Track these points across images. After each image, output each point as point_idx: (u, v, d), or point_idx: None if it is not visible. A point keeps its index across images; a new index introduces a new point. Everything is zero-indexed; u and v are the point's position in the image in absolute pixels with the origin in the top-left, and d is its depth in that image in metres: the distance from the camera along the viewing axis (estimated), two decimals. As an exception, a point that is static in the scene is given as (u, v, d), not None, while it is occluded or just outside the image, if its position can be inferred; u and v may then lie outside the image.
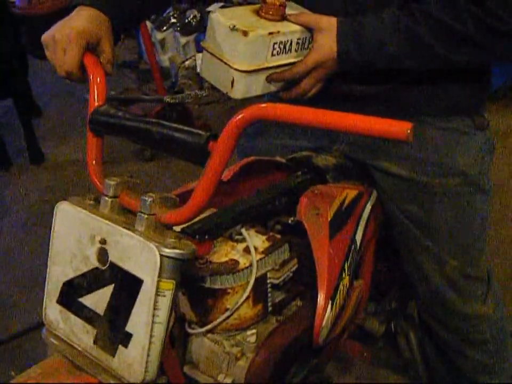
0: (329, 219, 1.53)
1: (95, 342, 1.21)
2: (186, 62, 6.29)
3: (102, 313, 1.20)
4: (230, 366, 1.45)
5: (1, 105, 5.02)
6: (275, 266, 1.46)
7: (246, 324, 1.44)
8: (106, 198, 1.23)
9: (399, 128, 0.99)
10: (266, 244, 1.46)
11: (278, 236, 1.50)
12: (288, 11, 1.53)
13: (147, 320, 1.13)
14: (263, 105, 1.10)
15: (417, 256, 1.76)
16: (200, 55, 5.26)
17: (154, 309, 1.13)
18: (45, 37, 1.42)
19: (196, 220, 1.34)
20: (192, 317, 1.44)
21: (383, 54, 1.49)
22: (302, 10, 1.57)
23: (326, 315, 1.46)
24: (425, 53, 1.48)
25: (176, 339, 1.47)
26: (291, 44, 1.52)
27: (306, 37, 1.54)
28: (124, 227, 1.17)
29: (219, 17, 1.49)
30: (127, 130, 1.27)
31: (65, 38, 1.38)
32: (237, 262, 1.39)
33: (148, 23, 5.47)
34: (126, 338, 1.16)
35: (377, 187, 1.77)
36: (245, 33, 1.43)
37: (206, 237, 1.36)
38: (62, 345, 1.28)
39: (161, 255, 1.11)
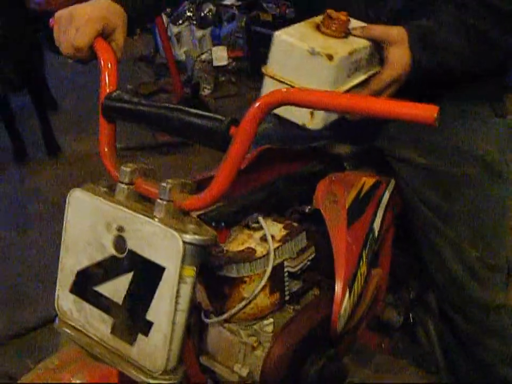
0: (347, 206, 1.51)
1: (112, 331, 1.19)
2: (202, 56, 6.34)
3: (120, 302, 1.18)
4: (247, 356, 1.44)
5: (18, 99, 5.03)
6: (292, 254, 1.44)
7: (262, 313, 1.43)
8: (122, 185, 1.21)
9: (426, 111, 0.97)
10: (284, 232, 1.44)
11: (295, 224, 1.48)
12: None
13: (170, 307, 1.11)
14: (286, 89, 1.09)
15: (436, 245, 1.74)
16: (215, 48, 5.25)
17: (177, 296, 1.11)
18: (61, 12, 1.42)
19: (212, 207, 1.32)
20: (208, 306, 1.43)
21: (450, 55, 1.45)
22: (357, 23, 1.47)
23: (344, 303, 1.44)
24: (485, 41, 1.45)
25: (192, 328, 1.46)
26: (361, 61, 1.42)
27: (373, 52, 1.45)
28: (143, 214, 1.15)
29: (291, 39, 1.35)
30: (144, 116, 1.24)
31: (82, 18, 1.38)
32: (253, 250, 1.37)
33: (164, 17, 5.49)
34: (146, 327, 1.14)
35: (396, 175, 1.75)
36: (330, 57, 1.30)
37: (223, 225, 1.35)
38: (76, 335, 1.26)
39: (183, 242, 1.09)
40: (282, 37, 1.36)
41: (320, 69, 1.31)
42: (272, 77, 1.38)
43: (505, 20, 1.42)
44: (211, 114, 1.15)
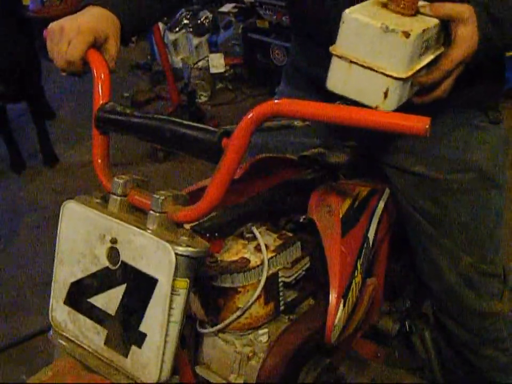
0: (341, 216, 1.51)
1: (106, 343, 1.20)
2: (199, 63, 6.34)
3: (113, 313, 1.18)
4: (242, 366, 1.44)
5: (15, 108, 5.03)
6: (287, 264, 1.44)
7: (257, 323, 1.43)
8: (115, 197, 1.22)
9: (417, 123, 0.97)
10: (278, 242, 1.44)
11: (290, 234, 1.48)
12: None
13: (162, 319, 1.12)
14: (278, 101, 1.07)
15: (432, 253, 1.74)
16: (212, 55, 5.23)
17: (169, 308, 1.11)
18: (52, 26, 1.41)
19: (206, 218, 1.32)
20: (203, 317, 1.43)
21: None
22: (424, 1, 1.37)
23: (338, 313, 1.44)
24: None
25: (187, 339, 1.46)
26: (431, 40, 1.34)
27: (440, 31, 1.37)
28: (136, 226, 1.15)
29: (363, 17, 1.28)
30: (136, 127, 1.24)
31: (74, 30, 1.37)
32: (247, 261, 1.37)
33: (160, 24, 5.49)
34: (139, 338, 1.15)
35: (390, 184, 1.75)
36: (407, 35, 1.24)
37: (216, 235, 1.35)
38: (70, 346, 1.26)
39: (176, 254, 1.09)
40: (353, 15, 1.29)
41: (396, 47, 1.25)
42: (341, 57, 1.31)
43: None
44: (203, 126, 1.15)
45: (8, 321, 3.14)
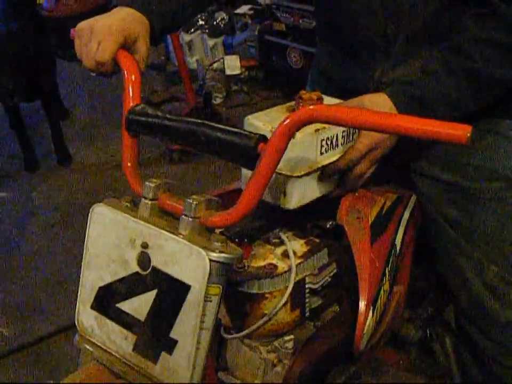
0: (370, 223, 1.50)
1: (134, 349, 1.18)
2: (214, 64, 6.33)
3: (142, 319, 1.16)
4: (266, 373, 1.43)
5: (29, 107, 5.04)
6: (314, 270, 1.43)
7: (283, 329, 1.42)
8: (146, 201, 1.20)
9: (459, 131, 0.95)
10: (305, 248, 1.43)
11: (317, 240, 1.47)
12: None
13: (194, 326, 1.10)
14: (316, 107, 1.07)
15: (457, 261, 1.72)
16: (228, 57, 5.21)
17: (202, 315, 1.10)
18: (82, 25, 1.41)
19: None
20: (228, 322, 1.42)
21: (448, 104, 1.44)
22: (336, 101, 1.47)
23: (368, 321, 1.43)
24: (486, 81, 1.44)
25: (211, 344, 1.45)
26: (337, 138, 1.42)
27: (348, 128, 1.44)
28: (168, 231, 1.13)
29: (257, 122, 1.38)
30: (169, 130, 1.22)
31: (104, 31, 1.37)
32: (275, 266, 1.36)
33: (176, 25, 5.47)
34: (170, 345, 1.13)
35: (417, 191, 1.73)
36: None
37: (245, 240, 1.34)
38: (97, 352, 1.24)
39: (210, 260, 1.08)
40: (250, 120, 1.39)
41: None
42: None
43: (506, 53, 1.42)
44: (239, 130, 1.14)
45: (21, 322, 3.14)
